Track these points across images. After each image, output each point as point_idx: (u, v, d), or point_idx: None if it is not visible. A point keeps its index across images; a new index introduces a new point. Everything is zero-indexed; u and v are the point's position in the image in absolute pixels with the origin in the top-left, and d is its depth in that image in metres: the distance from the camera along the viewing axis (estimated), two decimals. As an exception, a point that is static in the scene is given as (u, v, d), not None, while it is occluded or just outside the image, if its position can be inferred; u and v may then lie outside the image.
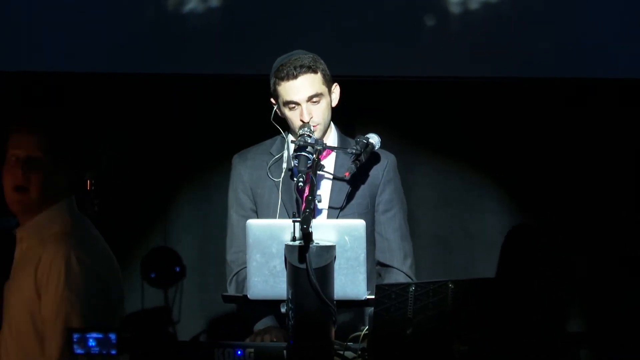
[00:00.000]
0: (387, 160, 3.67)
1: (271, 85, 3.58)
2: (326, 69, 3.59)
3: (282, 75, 3.52)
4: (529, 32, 5.09)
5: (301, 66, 3.52)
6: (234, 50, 5.13)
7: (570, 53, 5.09)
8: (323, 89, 3.56)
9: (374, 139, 3.48)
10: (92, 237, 3.44)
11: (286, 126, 3.62)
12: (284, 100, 3.54)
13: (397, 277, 3.60)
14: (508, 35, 5.10)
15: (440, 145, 5.32)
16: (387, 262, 3.63)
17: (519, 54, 5.12)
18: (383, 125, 4.81)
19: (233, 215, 3.67)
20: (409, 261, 3.66)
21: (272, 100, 3.61)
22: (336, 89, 3.64)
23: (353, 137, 3.57)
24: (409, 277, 3.62)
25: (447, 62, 5.15)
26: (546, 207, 5.20)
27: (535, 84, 5.19)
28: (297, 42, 3.75)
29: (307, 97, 3.52)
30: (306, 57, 3.56)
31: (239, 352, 3.01)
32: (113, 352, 2.87)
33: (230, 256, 3.66)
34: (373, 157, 3.59)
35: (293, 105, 3.54)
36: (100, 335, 2.89)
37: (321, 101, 3.55)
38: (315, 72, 3.54)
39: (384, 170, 3.66)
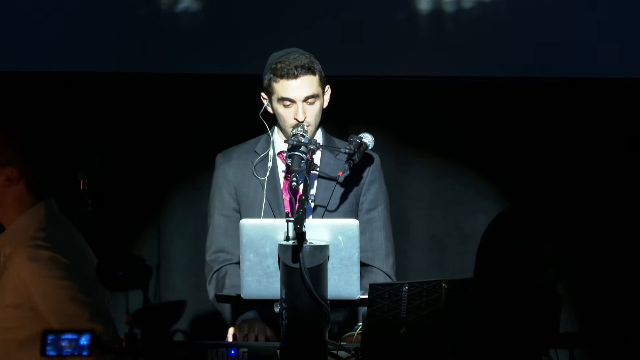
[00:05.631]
0: (372, 160, 3.66)
1: (265, 80, 3.57)
2: (321, 70, 3.58)
3: (282, 73, 3.51)
4: (526, 32, 5.09)
5: (302, 66, 3.51)
6: (225, 51, 5.12)
7: (569, 53, 5.09)
8: (319, 90, 3.55)
9: (367, 138, 3.46)
10: (71, 239, 3.41)
11: (272, 123, 3.61)
12: (280, 97, 3.53)
13: (377, 276, 3.58)
14: (504, 35, 5.10)
15: (435, 146, 5.31)
16: (368, 262, 3.60)
17: (516, 54, 5.12)
18: (378, 126, 4.81)
19: (215, 215, 3.66)
20: (390, 260, 3.64)
21: (264, 95, 3.59)
22: (328, 91, 3.64)
23: (345, 137, 3.55)
24: (389, 276, 3.61)
25: (443, 63, 5.14)
26: (541, 208, 5.20)
27: (532, 85, 5.19)
28: (289, 41, 3.73)
29: (304, 97, 3.52)
30: (304, 57, 3.54)
31: (233, 352, 3.00)
32: (85, 353, 2.83)
33: (209, 256, 3.64)
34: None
35: (288, 103, 3.53)
36: (73, 337, 2.86)
37: (316, 102, 3.55)
38: (314, 73, 3.54)
39: (368, 170, 3.65)
